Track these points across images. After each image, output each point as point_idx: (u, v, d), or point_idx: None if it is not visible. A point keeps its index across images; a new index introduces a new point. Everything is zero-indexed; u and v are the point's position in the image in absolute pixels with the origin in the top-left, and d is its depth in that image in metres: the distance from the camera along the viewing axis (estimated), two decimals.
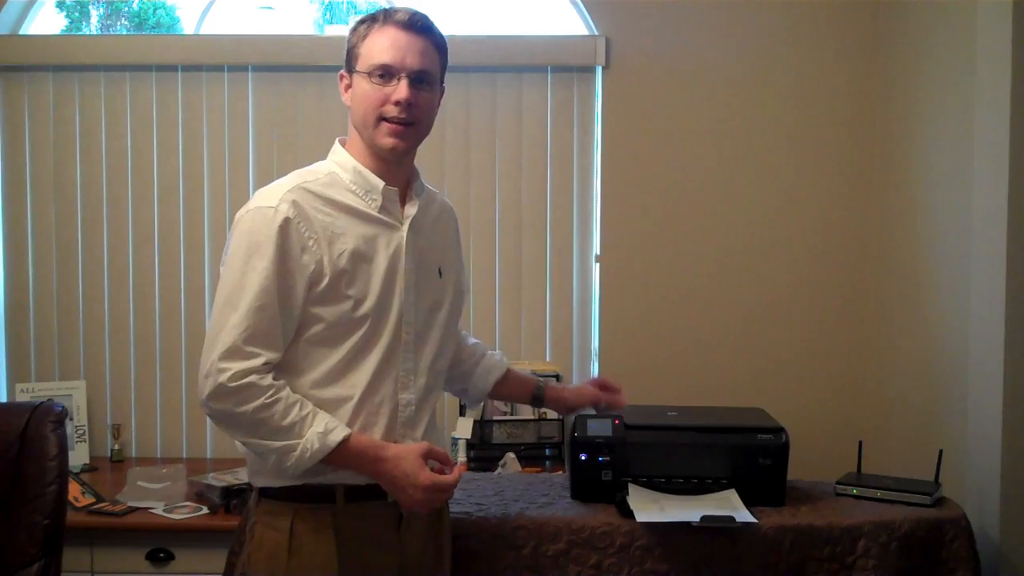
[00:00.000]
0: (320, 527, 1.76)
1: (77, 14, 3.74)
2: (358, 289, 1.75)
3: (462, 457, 3.07)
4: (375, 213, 1.80)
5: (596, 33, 3.30)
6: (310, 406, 1.73)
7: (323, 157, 1.89)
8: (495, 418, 3.24)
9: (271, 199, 1.74)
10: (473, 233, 3.33)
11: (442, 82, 1.88)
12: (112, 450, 3.32)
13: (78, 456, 3.21)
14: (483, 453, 3.18)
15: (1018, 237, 2.23)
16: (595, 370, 3.39)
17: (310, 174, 1.82)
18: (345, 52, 1.84)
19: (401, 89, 1.76)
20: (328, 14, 3.73)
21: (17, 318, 3.40)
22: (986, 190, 2.33)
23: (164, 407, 3.39)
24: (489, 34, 3.37)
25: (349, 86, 1.84)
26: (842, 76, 3.23)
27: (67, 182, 3.37)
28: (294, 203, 1.73)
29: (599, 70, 3.31)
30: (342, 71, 1.85)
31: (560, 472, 2.93)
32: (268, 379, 1.69)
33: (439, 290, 1.90)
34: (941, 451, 2.28)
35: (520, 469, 3.02)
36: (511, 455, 3.08)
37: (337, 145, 1.87)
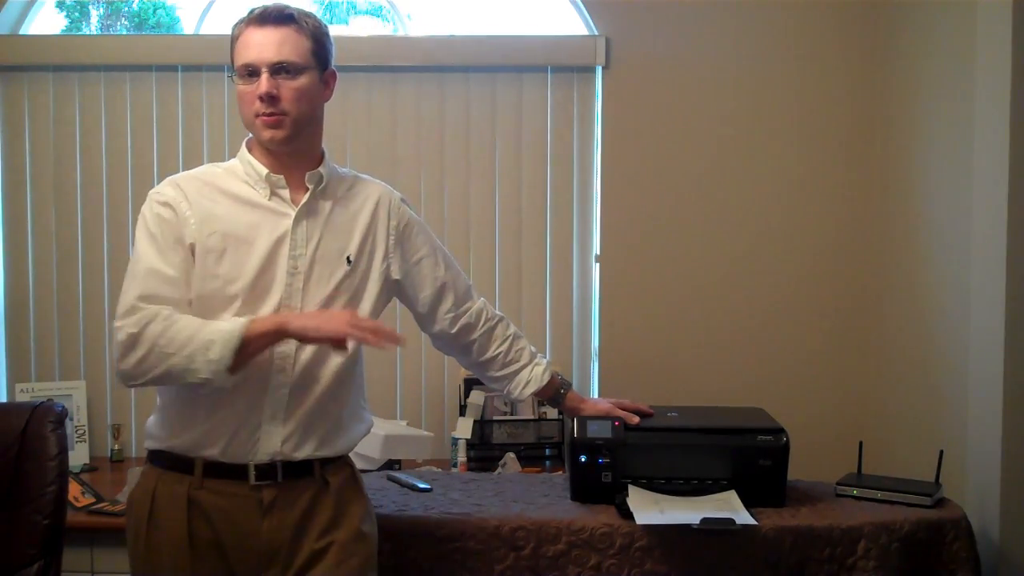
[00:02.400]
0: (176, 498, 1.81)
1: (77, 14, 3.73)
2: (227, 270, 1.82)
3: (462, 457, 3.07)
4: (264, 201, 1.87)
5: (596, 33, 3.29)
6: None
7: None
8: (495, 418, 3.24)
9: (160, 186, 1.88)
10: (473, 233, 3.33)
11: (325, 65, 1.89)
12: (112, 450, 3.32)
13: (78, 456, 3.21)
14: (483, 453, 3.18)
15: (1018, 237, 2.23)
16: (595, 370, 3.39)
17: (212, 166, 1.94)
18: None
19: (261, 83, 1.82)
20: (328, 14, 3.73)
21: (17, 318, 3.40)
22: (986, 190, 2.33)
23: None
24: (489, 34, 3.37)
25: None
26: (842, 76, 3.23)
27: (67, 182, 3.37)
28: (178, 187, 1.86)
29: (599, 70, 3.30)
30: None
31: (560, 472, 2.93)
32: (164, 310, 1.76)
33: (342, 277, 1.90)
34: (941, 452, 2.28)
35: (520, 469, 3.02)
36: (511, 455, 3.08)
37: (244, 142, 1.93)
